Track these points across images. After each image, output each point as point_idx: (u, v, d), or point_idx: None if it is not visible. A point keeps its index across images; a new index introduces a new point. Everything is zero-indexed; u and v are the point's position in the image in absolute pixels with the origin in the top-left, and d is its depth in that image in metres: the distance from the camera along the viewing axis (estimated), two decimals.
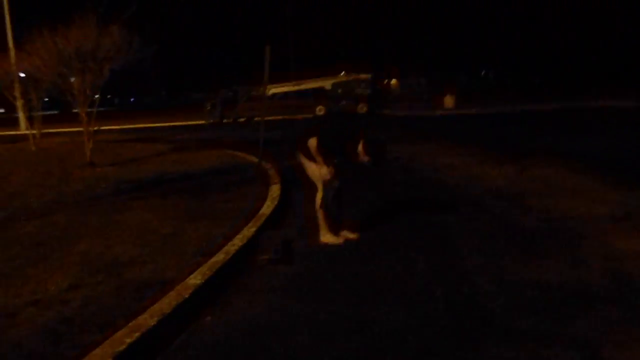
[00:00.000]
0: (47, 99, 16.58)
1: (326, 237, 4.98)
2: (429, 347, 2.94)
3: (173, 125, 26.37)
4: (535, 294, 3.56)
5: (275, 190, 7.01)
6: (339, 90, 28.48)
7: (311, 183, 4.97)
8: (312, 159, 4.77)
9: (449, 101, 25.91)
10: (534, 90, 38.11)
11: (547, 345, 2.88)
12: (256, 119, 22.37)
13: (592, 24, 43.98)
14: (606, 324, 3.09)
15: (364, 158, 4.66)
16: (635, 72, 40.31)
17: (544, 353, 2.81)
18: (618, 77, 42.27)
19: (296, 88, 29.90)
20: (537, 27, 47.66)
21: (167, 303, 3.41)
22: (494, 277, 3.90)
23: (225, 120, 25.99)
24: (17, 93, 15.59)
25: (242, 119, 25.81)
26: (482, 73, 64.98)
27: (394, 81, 37.98)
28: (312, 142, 4.69)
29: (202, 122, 25.84)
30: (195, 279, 3.82)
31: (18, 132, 22.62)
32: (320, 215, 4.95)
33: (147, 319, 3.18)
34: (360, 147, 4.62)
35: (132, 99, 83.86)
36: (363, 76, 29.05)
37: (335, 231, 5.04)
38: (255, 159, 9.81)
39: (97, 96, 10.68)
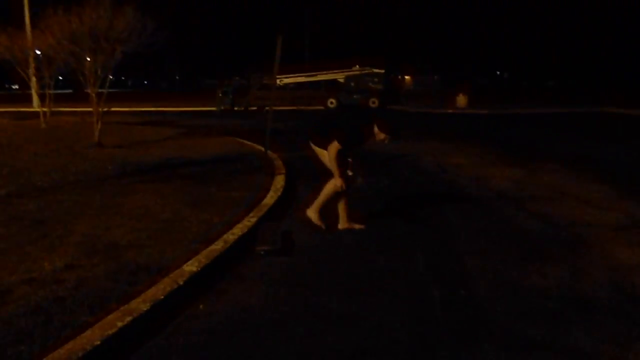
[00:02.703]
0: (61, 78, 16.65)
1: (311, 213, 5.14)
2: (422, 347, 2.90)
3: (184, 111, 26.40)
4: (534, 300, 3.51)
5: (279, 180, 6.98)
6: (352, 84, 28.41)
7: (313, 170, 5.07)
8: (326, 148, 4.86)
9: (461, 100, 25.75)
10: (548, 93, 37.78)
11: (543, 354, 2.83)
12: (267, 108, 22.36)
13: (610, 30, 43.48)
14: (605, 335, 3.03)
15: (381, 136, 4.83)
16: None
17: None
18: (635, 84, 41.79)
19: (309, 79, 29.84)
20: (554, 29, 47.20)
21: (161, 289, 3.39)
22: (493, 280, 3.85)
23: (236, 108, 25.99)
24: (30, 70, 15.66)
25: (253, 108, 25.79)
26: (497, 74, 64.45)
27: (407, 77, 37.87)
28: (333, 150, 4.78)
29: (213, 108, 25.85)
30: (191, 266, 3.79)
31: (30, 109, 22.71)
32: (323, 193, 5.04)
33: (140, 304, 3.16)
34: (376, 128, 4.79)
35: (145, 82, 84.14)
36: (376, 70, 28.96)
37: (348, 219, 5.17)
38: (262, 149, 9.79)
39: (109, 77, 10.68)
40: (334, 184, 4.95)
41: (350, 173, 4.98)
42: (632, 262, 4.21)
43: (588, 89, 38.81)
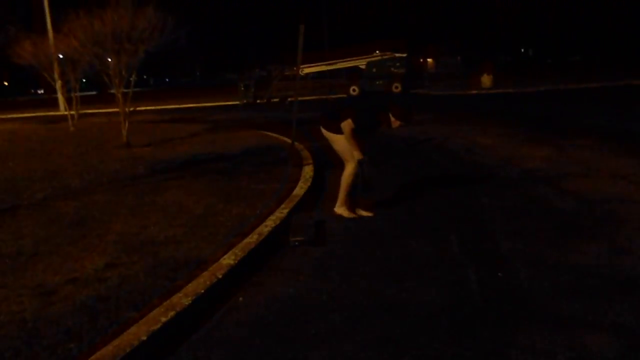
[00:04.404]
0: (85, 80, 16.91)
1: (340, 209, 5.13)
2: (462, 330, 2.90)
3: (207, 106, 26.59)
4: (573, 278, 3.48)
5: (308, 171, 7.00)
6: (374, 69, 28.24)
7: (339, 159, 5.05)
8: (338, 132, 4.85)
9: (486, 80, 25.38)
10: (574, 68, 36.97)
11: (584, 331, 2.81)
12: (289, 99, 22.38)
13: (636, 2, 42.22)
14: None
15: (397, 123, 4.81)
16: None
17: (582, 339, 2.74)
18: None
19: (330, 67, 29.76)
20: (578, 2, 46.03)
21: (201, 283, 3.45)
22: (530, 260, 3.82)
23: (258, 101, 26.06)
24: (55, 74, 15.92)
25: (275, 99, 25.84)
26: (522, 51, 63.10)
27: (429, 60, 37.48)
28: (347, 127, 4.76)
29: (236, 102, 25.97)
30: (228, 260, 3.85)
31: (57, 113, 23.14)
32: (342, 186, 5.07)
33: (182, 298, 3.23)
34: (391, 115, 4.78)
35: (167, 80, 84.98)
36: (398, 55, 28.71)
37: (351, 207, 5.17)
38: (288, 140, 9.82)
39: (132, 77, 10.80)
40: (348, 174, 5.02)
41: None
42: None
43: (615, 63, 37.82)
